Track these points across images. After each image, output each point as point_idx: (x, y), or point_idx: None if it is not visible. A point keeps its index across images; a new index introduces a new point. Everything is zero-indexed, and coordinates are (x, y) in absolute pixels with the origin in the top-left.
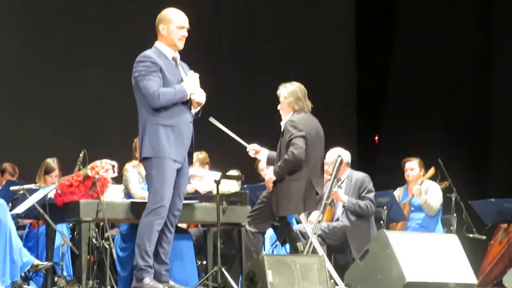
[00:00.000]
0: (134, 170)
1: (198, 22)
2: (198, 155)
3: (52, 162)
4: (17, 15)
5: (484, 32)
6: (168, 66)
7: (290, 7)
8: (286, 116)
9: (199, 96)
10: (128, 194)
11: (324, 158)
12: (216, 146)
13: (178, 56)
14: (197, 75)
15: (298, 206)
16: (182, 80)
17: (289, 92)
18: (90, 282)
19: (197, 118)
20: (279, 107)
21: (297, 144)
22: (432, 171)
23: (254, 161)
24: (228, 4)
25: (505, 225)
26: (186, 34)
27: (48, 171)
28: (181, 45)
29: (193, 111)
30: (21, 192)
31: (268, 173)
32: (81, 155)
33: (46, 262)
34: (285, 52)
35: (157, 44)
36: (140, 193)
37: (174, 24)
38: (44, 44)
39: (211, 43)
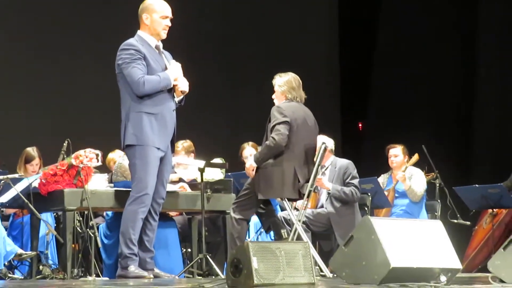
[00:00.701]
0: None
1: (182, 21)
2: (183, 144)
3: (32, 150)
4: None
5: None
6: (152, 54)
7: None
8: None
9: (183, 85)
10: (117, 183)
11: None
12: (200, 134)
13: (161, 45)
14: (179, 64)
15: (277, 191)
16: (165, 68)
17: (284, 82)
18: (75, 271)
19: (181, 106)
20: (273, 96)
21: (279, 130)
22: (415, 157)
23: (238, 149)
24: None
25: (490, 210)
26: (170, 24)
27: (28, 159)
28: (164, 34)
29: (177, 99)
30: (4, 181)
31: (249, 160)
32: (65, 144)
33: (30, 251)
34: (269, 43)
35: (139, 32)
36: None
37: (157, 13)
38: (25, 36)
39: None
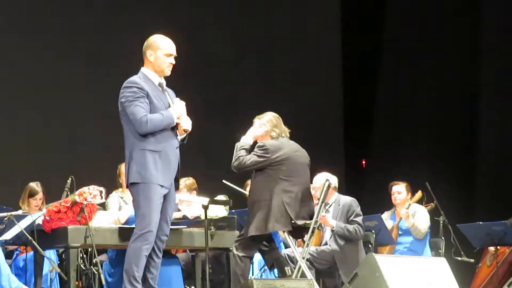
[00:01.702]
0: (116, 196)
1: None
2: (186, 181)
3: (35, 185)
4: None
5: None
6: (155, 91)
7: (277, 30)
8: None
9: (186, 123)
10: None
11: (311, 182)
12: (204, 171)
13: (164, 82)
14: (183, 103)
15: (261, 227)
16: (169, 106)
17: (265, 122)
18: None
19: (183, 144)
20: (258, 139)
21: (249, 160)
22: (419, 194)
23: (242, 185)
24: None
25: (493, 248)
26: (174, 62)
27: (32, 194)
28: (168, 72)
29: (180, 137)
30: (8, 218)
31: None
32: (68, 181)
33: None
34: (272, 79)
35: (143, 69)
36: (115, 216)
37: (162, 51)
38: (26, 70)
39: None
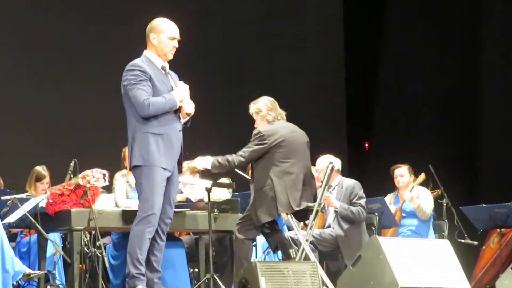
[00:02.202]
0: (122, 179)
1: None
2: (189, 164)
3: (42, 169)
4: (15, 29)
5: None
6: (158, 75)
7: (277, 18)
8: None
9: (188, 107)
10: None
11: (313, 164)
12: (207, 153)
13: (167, 65)
14: (187, 86)
15: (272, 212)
16: (171, 89)
17: (260, 106)
18: None
19: (186, 127)
20: (255, 125)
21: (244, 156)
22: (422, 177)
23: (245, 168)
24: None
25: (497, 230)
26: (177, 45)
27: (39, 178)
28: (171, 55)
29: (182, 121)
30: (12, 201)
31: (203, 161)
32: (71, 164)
33: (38, 271)
34: (273, 63)
35: (146, 52)
36: (124, 203)
37: (165, 34)
38: (31, 55)
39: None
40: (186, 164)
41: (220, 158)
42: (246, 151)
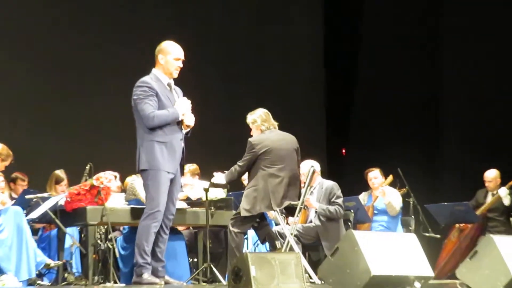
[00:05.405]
0: (139, 180)
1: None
2: (190, 167)
3: (60, 173)
4: (35, 39)
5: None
6: (164, 91)
7: (258, 26)
8: None
9: (189, 120)
10: (130, 201)
11: (298, 167)
12: (206, 158)
13: (172, 82)
14: (189, 101)
15: (250, 209)
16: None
17: (255, 117)
18: (96, 278)
19: (187, 137)
20: (251, 133)
21: (241, 165)
22: (390, 178)
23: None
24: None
25: (457, 225)
26: (181, 65)
27: (58, 181)
28: (176, 74)
29: (183, 131)
30: (36, 200)
31: (220, 177)
32: (87, 167)
33: (58, 261)
34: (255, 73)
35: (154, 71)
36: None
37: (171, 55)
38: (48, 64)
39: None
40: (187, 167)
41: (228, 172)
42: (242, 161)
